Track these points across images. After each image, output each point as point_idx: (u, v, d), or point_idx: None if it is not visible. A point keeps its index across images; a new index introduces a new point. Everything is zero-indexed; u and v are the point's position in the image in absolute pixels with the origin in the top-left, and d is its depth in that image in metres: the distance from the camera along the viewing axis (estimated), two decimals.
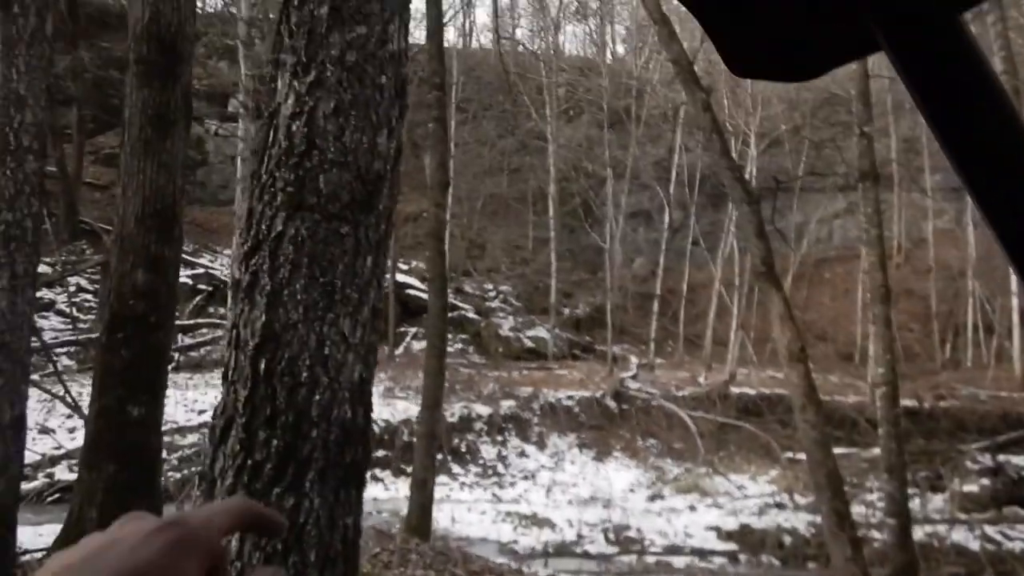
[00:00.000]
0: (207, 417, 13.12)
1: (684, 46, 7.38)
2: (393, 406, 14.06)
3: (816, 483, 6.62)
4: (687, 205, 21.96)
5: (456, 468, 13.67)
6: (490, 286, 22.96)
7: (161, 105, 5.31)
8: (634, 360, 19.58)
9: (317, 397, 2.43)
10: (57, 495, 11.09)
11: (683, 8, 0.53)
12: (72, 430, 12.10)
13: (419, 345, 17.66)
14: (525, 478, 13.87)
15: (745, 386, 17.11)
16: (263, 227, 2.26)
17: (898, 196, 22.65)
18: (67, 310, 16.45)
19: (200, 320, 17.69)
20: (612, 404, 16.20)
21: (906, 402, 11.55)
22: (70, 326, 16.25)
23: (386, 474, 12.77)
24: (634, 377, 17.72)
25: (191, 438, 12.69)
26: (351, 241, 2.29)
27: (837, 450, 7.79)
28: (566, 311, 22.22)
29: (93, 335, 15.56)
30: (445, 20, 14.45)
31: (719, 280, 20.03)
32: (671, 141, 23.00)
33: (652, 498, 13.12)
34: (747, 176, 11.89)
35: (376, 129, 2.21)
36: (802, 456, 9.33)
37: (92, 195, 20.90)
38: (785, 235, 11.55)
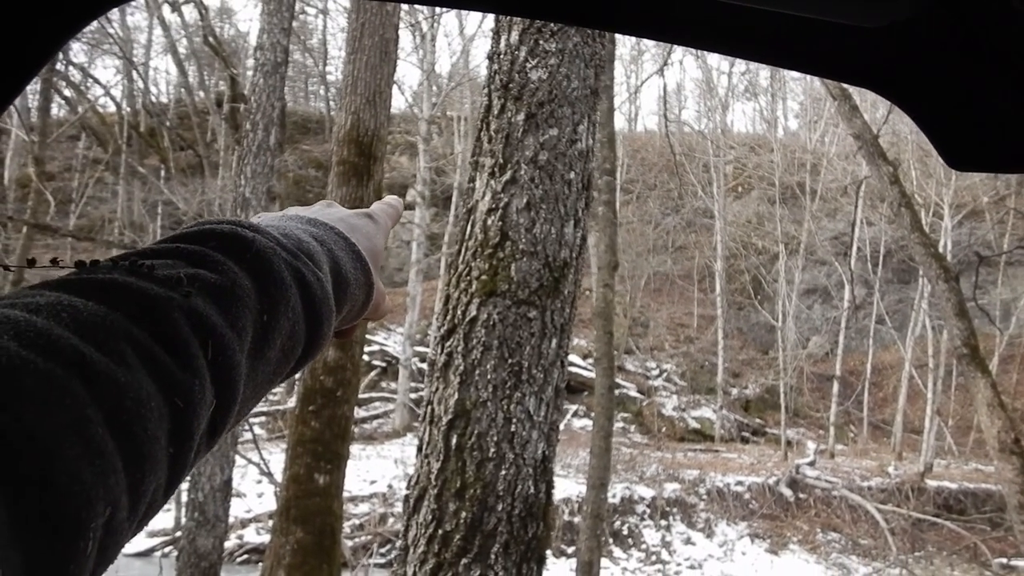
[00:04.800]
0: (378, 488, 13.74)
1: (866, 118, 7.14)
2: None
3: None
4: (870, 281, 20.59)
5: (618, 552, 13.26)
6: (653, 364, 22.52)
7: (357, 200, 5.90)
8: (811, 445, 18.26)
9: (503, 472, 2.55)
10: (245, 556, 11.97)
11: None
12: (260, 495, 13.04)
13: (578, 423, 17.54)
14: (692, 567, 13.17)
15: (944, 479, 15.39)
16: (458, 312, 2.47)
17: None
18: None
19: (373, 394, 18.72)
20: (787, 492, 15.13)
21: None
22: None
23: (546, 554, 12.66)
24: (812, 464, 16.47)
25: (363, 507, 13.27)
26: (538, 324, 2.43)
27: None
28: (734, 391, 21.28)
29: (281, 407, 16.98)
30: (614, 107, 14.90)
31: (910, 361, 18.41)
32: (851, 215, 21.87)
33: None
34: (941, 250, 11.04)
35: (564, 220, 2.38)
36: (1021, 563, 8.20)
37: None
38: (989, 314, 10.49)
